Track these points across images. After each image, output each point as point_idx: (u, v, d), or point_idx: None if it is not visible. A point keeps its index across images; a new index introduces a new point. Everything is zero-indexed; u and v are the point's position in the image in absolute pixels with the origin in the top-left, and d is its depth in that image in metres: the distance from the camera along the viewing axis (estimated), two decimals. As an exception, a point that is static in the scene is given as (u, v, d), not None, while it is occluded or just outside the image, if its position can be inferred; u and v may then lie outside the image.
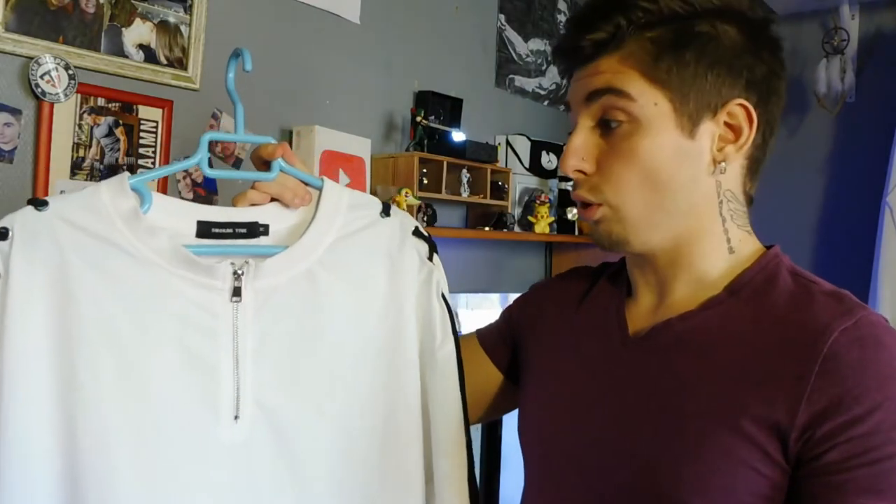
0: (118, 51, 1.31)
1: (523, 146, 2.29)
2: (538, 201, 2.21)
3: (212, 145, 1.39)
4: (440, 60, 2.08)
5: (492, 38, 2.29)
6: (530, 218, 2.21)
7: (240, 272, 0.66)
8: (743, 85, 0.68)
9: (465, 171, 1.95)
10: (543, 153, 2.35)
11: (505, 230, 2.06)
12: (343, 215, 0.72)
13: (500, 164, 2.17)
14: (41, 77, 1.19)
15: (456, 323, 0.74)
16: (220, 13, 1.47)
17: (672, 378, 0.67)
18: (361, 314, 0.71)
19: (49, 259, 0.61)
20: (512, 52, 2.37)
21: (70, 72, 1.22)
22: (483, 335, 0.89)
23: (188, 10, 1.41)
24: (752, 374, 0.63)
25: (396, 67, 1.94)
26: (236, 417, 0.66)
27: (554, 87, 2.58)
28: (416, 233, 0.75)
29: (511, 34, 2.36)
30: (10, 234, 0.60)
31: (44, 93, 1.20)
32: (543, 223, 2.20)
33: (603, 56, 0.68)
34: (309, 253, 0.70)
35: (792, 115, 2.53)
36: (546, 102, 2.54)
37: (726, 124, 0.68)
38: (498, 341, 0.88)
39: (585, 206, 0.71)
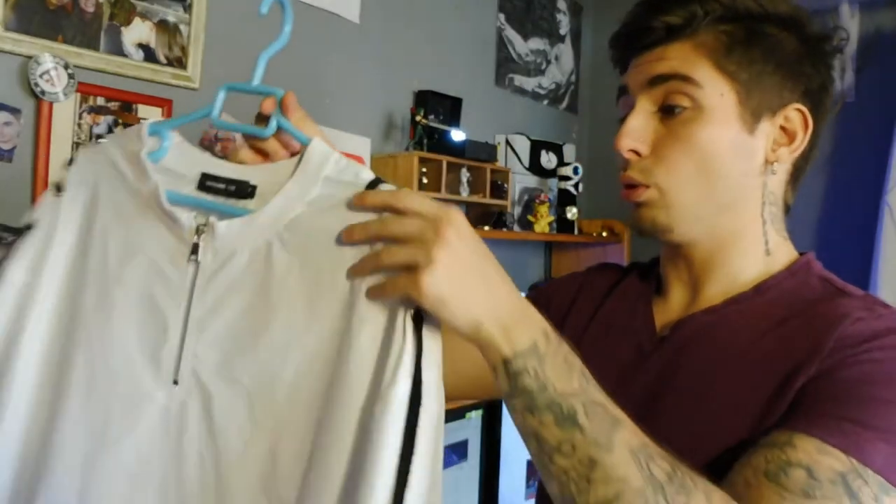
0: (118, 50, 1.31)
1: (523, 145, 2.29)
2: (538, 200, 2.21)
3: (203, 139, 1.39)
4: (440, 60, 2.08)
5: (491, 37, 2.29)
6: (530, 217, 2.21)
7: (202, 228, 0.63)
8: (801, 92, 0.70)
9: (464, 170, 1.95)
10: (543, 152, 2.35)
11: (504, 229, 2.06)
12: (321, 184, 0.62)
13: (500, 163, 2.17)
14: (41, 76, 1.19)
15: (423, 356, 0.57)
16: (220, 13, 1.47)
17: (691, 368, 0.68)
18: (313, 317, 0.60)
19: (85, 191, 0.67)
20: (512, 51, 2.37)
21: (69, 71, 1.22)
22: None
23: (187, 9, 1.41)
24: (768, 358, 0.64)
25: (396, 67, 1.94)
26: (175, 382, 0.62)
27: (553, 86, 2.58)
28: None
29: (511, 33, 2.36)
30: (76, 161, 0.69)
31: (43, 92, 1.20)
32: (543, 222, 2.20)
33: (673, 42, 0.69)
34: (270, 224, 0.62)
35: (792, 115, 2.52)
36: (546, 102, 2.54)
37: (782, 128, 0.70)
38: None
39: (629, 187, 0.71)
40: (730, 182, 0.69)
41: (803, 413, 0.59)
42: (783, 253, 0.73)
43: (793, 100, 0.70)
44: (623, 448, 0.55)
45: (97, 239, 0.66)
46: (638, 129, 0.70)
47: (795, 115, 0.70)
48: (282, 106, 0.66)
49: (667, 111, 0.69)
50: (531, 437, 0.58)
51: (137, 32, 1.33)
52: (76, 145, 1.26)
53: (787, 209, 0.74)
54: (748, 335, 0.67)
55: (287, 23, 0.67)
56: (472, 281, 0.55)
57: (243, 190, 0.65)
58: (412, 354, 0.56)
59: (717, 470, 0.62)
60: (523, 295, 0.63)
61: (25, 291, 0.65)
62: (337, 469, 0.58)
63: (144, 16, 1.34)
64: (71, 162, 0.68)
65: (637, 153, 0.70)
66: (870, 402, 0.58)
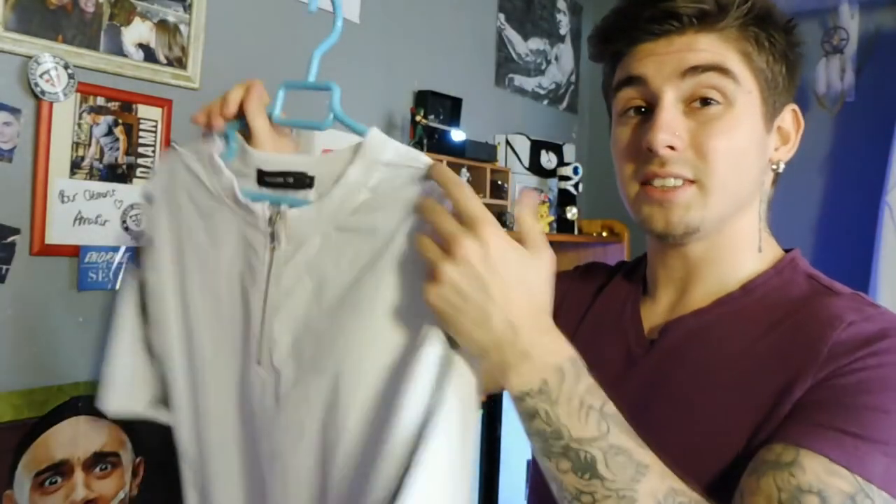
0: (117, 50, 1.31)
1: (523, 145, 2.29)
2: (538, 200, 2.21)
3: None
4: (440, 60, 2.08)
5: (491, 37, 2.29)
6: (530, 217, 2.21)
7: (275, 217, 0.67)
8: (793, 93, 0.71)
9: (464, 170, 1.95)
10: (543, 152, 2.35)
11: (505, 229, 2.06)
12: (382, 169, 0.64)
13: (500, 163, 2.17)
14: (40, 76, 1.19)
15: None
16: (220, 12, 1.47)
17: (683, 373, 0.68)
18: (385, 287, 0.62)
19: (170, 199, 0.75)
20: (511, 51, 2.37)
21: (69, 71, 1.22)
22: None
23: (188, 9, 1.41)
24: (762, 366, 0.63)
25: (396, 67, 1.94)
26: (258, 362, 0.68)
27: (553, 86, 2.58)
28: None
29: (511, 33, 2.36)
30: (157, 173, 0.78)
31: (43, 92, 1.20)
32: (543, 222, 2.20)
33: (700, 32, 0.66)
34: (338, 208, 0.65)
35: (792, 115, 2.52)
36: (546, 102, 2.54)
37: (778, 128, 0.71)
38: None
39: (665, 188, 0.67)
40: (752, 179, 0.69)
41: (804, 424, 0.58)
42: (770, 250, 0.73)
43: (789, 100, 0.71)
44: (648, 499, 0.53)
45: (186, 237, 0.74)
46: (673, 124, 0.66)
47: (790, 115, 0.71)
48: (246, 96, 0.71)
49: (703, 102, 0.66)
50: (550, 480, 0.56)
51: (137, 32, 1.33)
52: (76, 145, 1.26)
53: (769, 205, 0.76)
54: (738, 341, 0.66)
55: (338, 18, 0.70)
56: (476, 308, 0.54)
57: (301, 181, 0.68)
58: None
59: (712, 481, 0.62)
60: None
61: (158, 290, 0.75)
62: (412, 420, 0.59)
63: (144, 16, 1.34)
64: (155, 173, 0.77)
65: (673, 149, 0.66)
66: (866, 411, 0.57)
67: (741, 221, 0.71)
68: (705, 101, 0.66)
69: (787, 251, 0.74)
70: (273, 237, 0.67)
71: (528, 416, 0.55)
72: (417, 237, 0.57)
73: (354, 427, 0.62)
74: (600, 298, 0.81)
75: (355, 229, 0.64)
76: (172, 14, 1.38)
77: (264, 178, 0.69)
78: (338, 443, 0.62)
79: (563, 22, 2.62)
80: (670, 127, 0.66)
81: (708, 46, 0.66)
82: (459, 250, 0.53)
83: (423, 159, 0.63)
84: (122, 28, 1.31)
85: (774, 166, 0.72)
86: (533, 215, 0.60)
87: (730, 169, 0.67)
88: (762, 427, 0.61)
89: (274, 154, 0.70)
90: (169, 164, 0.76)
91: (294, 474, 0.67)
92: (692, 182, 0.67)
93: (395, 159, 0.64)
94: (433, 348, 0.57)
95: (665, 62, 0.67)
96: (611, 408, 0.56)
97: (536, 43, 2.48)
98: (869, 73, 2.39)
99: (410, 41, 1.98)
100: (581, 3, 2.70)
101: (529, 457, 0.84)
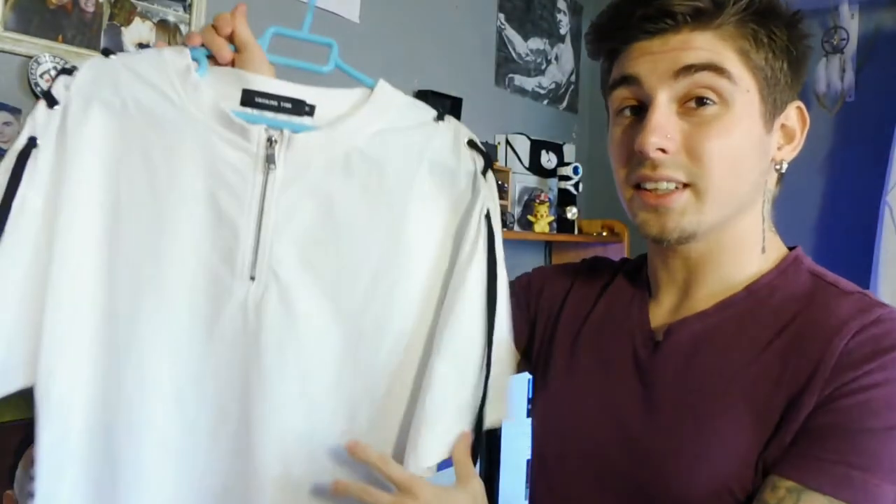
0: (118, 50, 1.31)
1: (523, 145, 2.29)
2: (538, 200, 2.21)
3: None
4: (440, 60, 2.08)
5: (491, 37, 2.29)
6: (530, 217, 2.21)
7: (273, 140, 0.66)
8: (798, 91, 0.70)
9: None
10: (543, 152, 2.35)
11: (504, 229, 2.05)
12: (395, 110, 0.71)
13: (500, 163, 2.17)
14: (41, 76, 1.19)
15: (497, 245, 0.71)
16: (220, 12, 1.47)
17: (691, 379, 0.67)
18: (394, 216, 0.69)
19: (107, 98, 0.65)
20: (511, 51, 2.37)
21: (69, 71, 1.22)
22: None
23: (187, 9, 1.41)
24: (769, 373, 0.63)
25: (396, 67, 1.93)
26: (252, 278, 0.67)
27: (554, 86, 2.58)
28: (472, 144, 0.73)
29: (511, 33, 2.36)
30: (76, 71, 0.65)
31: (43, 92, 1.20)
32: (543, 222, 2.20)
33: (695, 30, 0.64)
34: (350, 136, 0.69)
35: (792, 115, 2.52)
36: (546, 102, 2.54)
37: (782, 126, 0.69)
38: (516, 314, 0.85)
39: (658, 193, 0.66)
40: (752, 181, 0.68)
41: (806, 459, 0.58)
42: (774, 248, 0.72)
43: (793, 97, 0.69)
44: None
45: (135, 152, 0.66)
46: (665, 125, 0.64)
47: (795, 113, 0.69)
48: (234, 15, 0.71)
49: (695, 103, 0.64)
50: None
51: (137, 32, 1.33)
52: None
53: (773, 204, 0.74)
54: (745, 348, 0.65)
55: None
56: None
57: (300, 107, 0.69)
58: (484, 242, 0.70)
59: (719, 490, 0.61)
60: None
61: (47, 217, 0.63)
62: (419, 337, 0.69)
63: (144, 16, 1.34)
64: (70, 71, 0.65)
65: (664, 151, 0.65)
66: (873, 439, 0.57)
67: (743, 223, 0.69)
68: (700, 101, 0.64)
69: (789, 249, 0.73)
70: (268, 159, 0.66)
71: None
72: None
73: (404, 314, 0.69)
74: (605, 297, 0.80)
75: (367, 159, 0.69)
76: (172, 14, 1.38)
77: (254, 99, 0.68)
78: (387, 324, 0.69)
79: (563, 22, 2.62)
80: (662, 129, 0.64)
81: (703, 45, 0.64)
82: None
83: (431, 110, 0.72)
84: (123, 28, 1.31)
85: (778, 166, 0.70)
86: (466, 452, 0.67)
87: (726, 172, 0.65)
88: (771, 442, 0.61)
89: (265, 78, 0.70)
90: (105, 69, 0.66)
91: (302, 383, 0.68)
92: (686, 186, 0.65)
93: (404, 104, 0.72)
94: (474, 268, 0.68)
95: (659, 61, 0.65)
96: None
97: (536, 43, 2.48)
98: (869, 73, 2.39)
99: (410, 41, 1.98)
100: (581, 2, 2.70)
101: (529, 457, 0.84)
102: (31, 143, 0.62)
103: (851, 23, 2.40)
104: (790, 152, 0.70)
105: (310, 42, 0.73)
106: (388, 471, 0.64)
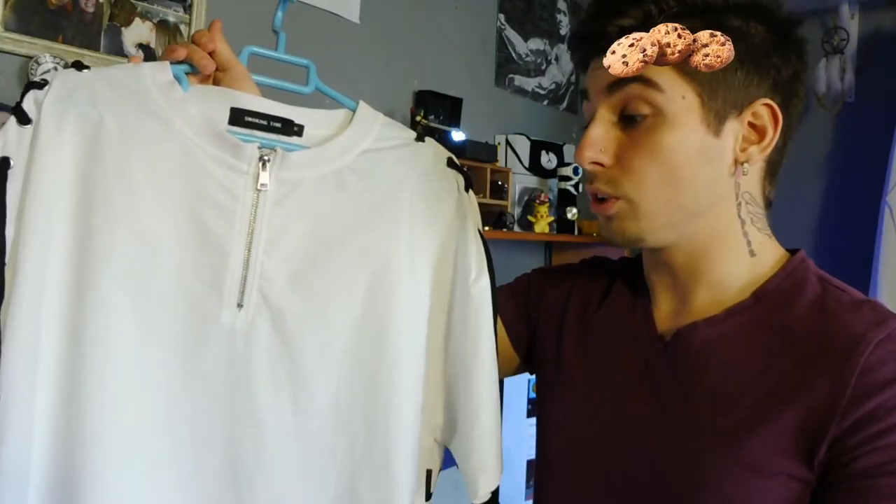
0: (118, 50, 1.31)
1: (523, 146, 2.29)
2: (538, 201, 2.21)
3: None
4: (440, 60, 2.08)
5: (492, 37, 2.29)
6: (530, 217, 2.21)
7: (266, 158, 0.65)
8: (770, 85, 0.66)
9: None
10: (543, 153, 2.35)
11: (504, 230, 2.06)
12: (377, 130, 0.72)
13: (500, 163, 2.17)
14: (41, 76, 1.19)
15: (491, 260, 0.71)
16: (220, 13, 1.47)
17: (701, 387, 0.66)
18: (388, 230, 0.69)
19: (83, 113, 0.61)
20: (512, 51, 2.37)
21: (69, 71, 1.22)
22: (502, 310, 0.85)
23: (188, 9, 1.41)
24: (783, 385, 0.62)
25: (396, 67, 1.94)
26: (239, 305, 0.64)
27: (553, 86, 2.58)
28: (451, 163, 0.74)
29: (511, 34, 2.36)
30: (49, 86, 0.61)
31: (43, 92, 1.20)
32: (543, 223, 2.20)
33: None
34: (340, 155, 0.69)
35: (792, 115, 2.52)
36: (546, 102, 2.54)
37: (750, 124, 0.66)
38: (517, 318, 0.85)
39: (599, 200, 0.69)
40: (699, 187, 0.66)
41: None
42: (769, 252, 0.70)
43: (760, 94, 0.66)
44: None
45: (112, 171, 0.61)
46: (599, 139, 0.67)
47: (764, 110, 0.66)
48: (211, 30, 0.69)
49: (628, 120, 0.66)
50: None
51: (137, 33, 1.33)
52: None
53: (769, 204, 0.72)
54: (758, 356, 0.65)
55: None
56: None
57: (289, 127, 0.69)
58: (485, 257, 0.71)
59: (728, 494, 0.61)
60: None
61: (14, 245, 0.58)
62: (417, 358, 0.68)
63: (144, 16, 1.34)
64: (41, 86, 0.61)
65: (600, 165, 0.67)
66: None
67: (712, 228, 0.68)
68: (634, 118, 0.65)
69: (791, 251, 0.72)
70: (260, 178, 0.65)
71: None
72: None
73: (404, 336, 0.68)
74: (608, 300, 0.79)
75: (358, 176, 0.69)
76: (172, 14, 1.38)
77: (243, 117, 0.67)
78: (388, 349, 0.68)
79: (563, 22, 2.62)
80: (596, 143, 0.67)
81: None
82: None
83: (410, 131, 0.74)
84: (123, 28, 1.31)
85: (744, 164, 0.67)
86: None
87: (658, 184, 0.65)
88: (790, 452, 0.60)
89: (253, 97, 0.69)
90: (80, 82, 0.62)
91: (298, 412, 0.65)
92: (617, 198, 0.67)
93: (386, 124, 0.73)
94: (478, 280, 0.70)
95: (599, 77, 0.67)
96: None
97: (536, 43, 2.48)
98: (869, 73, 2.40)
99: (410, 41, 1.98)
100: (581, 3, 2.70)
101: (529, 457, 0.84)
102: (5, 163, 0.58)
103: (851, 23, 2.41)
104: (760, 152, 0.67)
105: (287, 63, 0.73)
106: None
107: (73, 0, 1.24)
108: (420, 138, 0.74)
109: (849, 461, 0.58)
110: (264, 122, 0.68)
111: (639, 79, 0.64)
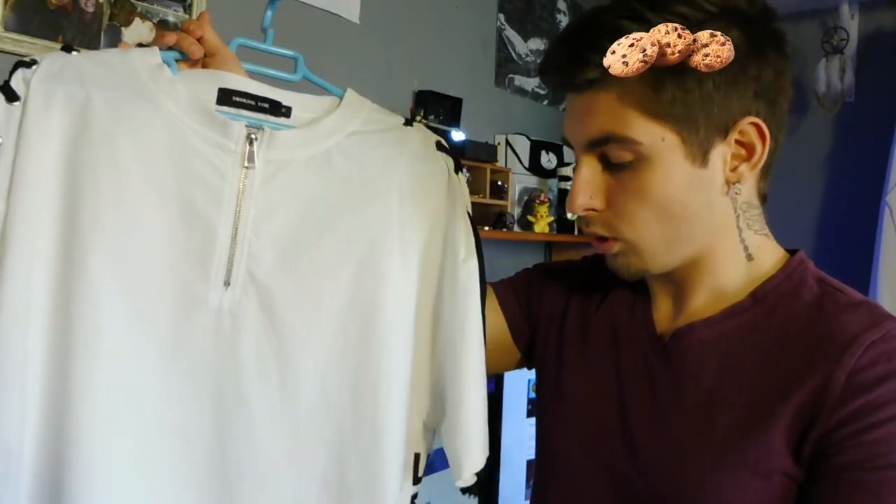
0: (118, 50, 1.31)
1: (523, 146, 2.29)
2: (538, 201, 2.21)
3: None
4: (440, 60, 2.08)
5: (491, 37, 2.29)
6: (530, 217, 2.21)
7: (254, 137, 0.65)
8: (751, 96, 0.63)
9: (464, 170, 1.95)
10: (543, 153, 2.35)
11: (504, 230, 2.06)
12: (366, 115, 0.72)
13: (500, 163, 2.17)
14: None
15: (480, 242, 0.71)
16: (219, 13, 1.47)
17: (699, 388, 0.66)
18: (376, 212, 0.68)
19: (71, 92, 0.61)
20: (512, 51, 2.37)
21: (69, 71, 1.22)
22: (504, 304, 0.86)
23: (187, 9, 1.41)
24: (779, 385, 0.62)
25: (396, 67, 1.94)
26: (227, 283, 0.64)
27: (554, 86, 2.58)
28: (440, 146, 0.74)
29: (511, 34, 2.36)
30: (37, 65, 0.61)
31: (43, 92, 1.20)
32: (543, 223, 2.20)
33: (599, 91, 0.64)
34: (329, 135, 0.69)
35: (791, 115, 2.51)
36: (546, 102, 2.54)
37: (738, 142, 0.65)
38: (518, 313, 0.86)
39: (601, 239, 0.70)
40: (693, 216, 0.66)
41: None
42: (767, 253, 0.70)
43: (742, 112, 0.63)
44: None
45: (100, 150, 0.61)
46: (588, 185, 0.67)
47: (749, 128, 0.64)
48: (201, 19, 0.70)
49: (611, 165, 0.66)
50: None
51: (137, 33, 1.33)
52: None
53: (765, 199, 0.71)
54: (755, 358, 0.65)
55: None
56: None
57: (277, 108, 0.69)
58: (474, 239, 0.70)
59: (725, 494, 0.61)
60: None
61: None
62: (405, 337, 0.68)
63: (144, 16, 1.34)
64: (29, 64, 0.61)
65: (594, 210, 0.68)
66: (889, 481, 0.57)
67: (710, 242, 0.68)
68: (618, 165, 0.65)
69: (790, 251, 0.72)
70: (248, 157, 0.65)
71: None
72: None
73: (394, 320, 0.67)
74: (609, 300, 0.79)
75: (346, 155, 0.69)
76: (172, 14, 1.38)
77: (231, 97, 0.67)
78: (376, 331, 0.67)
79: (563, 22, 2.62)
80: (585, 191, 0.67)
81: (604, 110, 0.64)
82: None
83: (398, 116, 0.74)
84: (122, 28, 1.31)
85: (735, 184, 0.66)
86: None
87: (653, 223, 0.66)
88: (780, 451, 0.61)
89: (241, 77, 0.70)
90: (69, 61, 0.62)
91: (292, 391, 0.65)
92: (616, 239, 0.68)
93: (374, 109, 0.73)
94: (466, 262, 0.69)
95: (575, 127, 0.68)
96: None
97: (536, 43, 2.48)
98: (869, 73, 2.40)
99: (410, 41, 1.98)
100: (581, 3, 2.70)
101: (530, 457, 0.84)
102: None
103: (851, 23, 2.40)
104: (750, 169, 0.66)
105: (275, 55, 0.74)
106: None
107: (73, 0, 1.24)
108: (409, 122, 0.74)
109: (831, 455, 0.59)
110: (252, 103, 0.68)
111: (612, 139, 0.64)
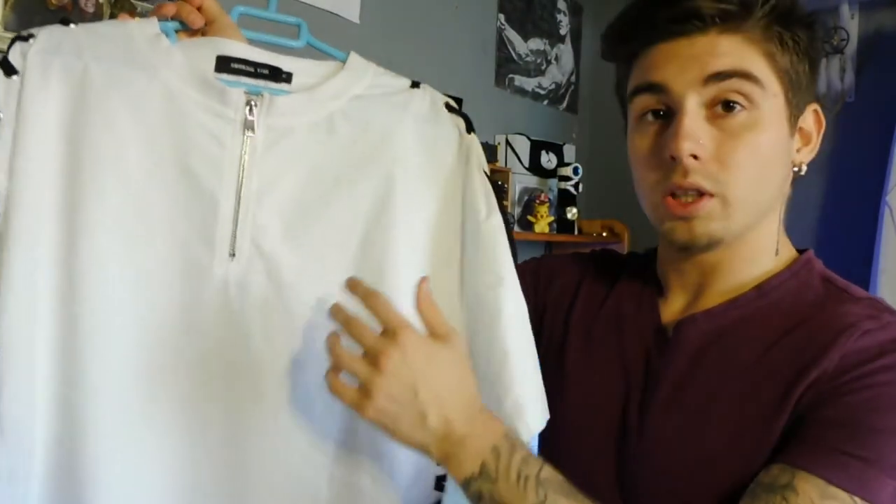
0: (118, 50, 1.31)
1: (523, 146, 2.29)
2: (538, 201, 2.21)
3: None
4: (440, 60, 2.08)
5: (492, 37, 2.29)
6: (530, 217, 2.21)
7: (253, 103, 0.64)
8: (815, 90, 0.67)
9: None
10: (543, 153, 2.35)
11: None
12: (370, 78, 0.70)
13: (500, 163, 2.17)
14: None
15: (501, 199, 0.70)
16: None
17: (699, 379, 0.66)
18: (382, 177, 0.67)
19: (68, 63, 0.61)
20: (512, 51, 2.37)
21: (69, 71, 1.22)
22: None
23: (188, 9, 1.41)
24: (778, 376, 0.62)
25: (396, 67, 1.93)
26: (232, 255, 0.63)
27: (553, 86, 2.58)
28: (449, 107, 0.72)
29: (511, 34, 2.36)
30: (34, 38, 0.61)
31: (43, 92, 1.20)
32: (543, 223, 2.20)
33: (723, 33, 0.63)
34: (331, 99, 0.67)
35: (792, 115, 2.52)
36: (546, 102, 2.54)
37: (800, 129, 0.67)
38: (527, 298, 0.86)
39: (683, 199, 0.64)
40: (775, 188, 0.67)
41: (806, 445, 0.58)
42: (785, 250, 0.71)
43: (811, 99, 0.67)
44: None
45: (99, 122, 0.61)
46: (696, 131, 0.62)
47: (811, 115, 0.68)
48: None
49: (726, 107, 0.63)
50: None
51: (137, 32, 1.34)
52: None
53: None
54: (754, 349, 0.65)
55: None
56: (412, 412, 0.57)
57: (277, 74, 0.67)
58: (494, 195, 0.68)
59: (724, 492, 0.61)
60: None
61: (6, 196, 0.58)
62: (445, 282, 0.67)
63: (144, 16, 1.34)
64: (27, 38, 0.61)
65: (696, 157, 0.63)
66: (875, 433, 0.56)
67: (762, 228, 0.68)
68: (729, 106, 0.63)
69: (800, 251, 0.72)
70: (248, 125, 0.64)
71: (476, 501, 0.58)
72: (337, 354, 0.58)
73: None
74: (615, 292, 0.79)
75: (349, 119, 0.67)
76: (172, 14, 1.39)
77: (230, 64, 0.66)
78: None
79: (563, 22, 2.62)
80: (694, 134, 0.62)
81: (731, 50, 0.62)
82: (385, 362, 0.56)
83: (405, 78, 0.72)
84: (123, 28, 1.31)
85: (796, 168, 0.68)
86: (431, 306, 0.61)
87: (753, 181, 0.64)
88: (769, 427, 0.61)
89: (240, 44, 0.68)
90: (66, 34, 0.62)
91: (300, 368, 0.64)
92: (712, 195, 0.64)
93: (379, 72, 0.71)
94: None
95: (686, 66, 0.63)
96: (547, 472, 0.58)
97: (536, 43, 2.48)
98: (869, 73, 2.39)
99: (410, 41, 1.98)
100: (581, 3, 2.70)
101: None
102: None
103: (851, 23, 2.40)
104: (807, 154, 0.69)
105: (277, 22, 0.72)
106: (378, 308, 0.59)
107: (73, 0, 1.24)
108: (416, 85, 0.72)
109: (805, 412, 0.60)
110: (251, 69, 0.66)
111: (744, 73, 0.62)
